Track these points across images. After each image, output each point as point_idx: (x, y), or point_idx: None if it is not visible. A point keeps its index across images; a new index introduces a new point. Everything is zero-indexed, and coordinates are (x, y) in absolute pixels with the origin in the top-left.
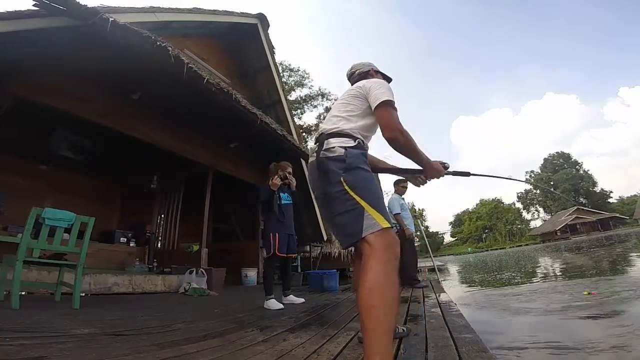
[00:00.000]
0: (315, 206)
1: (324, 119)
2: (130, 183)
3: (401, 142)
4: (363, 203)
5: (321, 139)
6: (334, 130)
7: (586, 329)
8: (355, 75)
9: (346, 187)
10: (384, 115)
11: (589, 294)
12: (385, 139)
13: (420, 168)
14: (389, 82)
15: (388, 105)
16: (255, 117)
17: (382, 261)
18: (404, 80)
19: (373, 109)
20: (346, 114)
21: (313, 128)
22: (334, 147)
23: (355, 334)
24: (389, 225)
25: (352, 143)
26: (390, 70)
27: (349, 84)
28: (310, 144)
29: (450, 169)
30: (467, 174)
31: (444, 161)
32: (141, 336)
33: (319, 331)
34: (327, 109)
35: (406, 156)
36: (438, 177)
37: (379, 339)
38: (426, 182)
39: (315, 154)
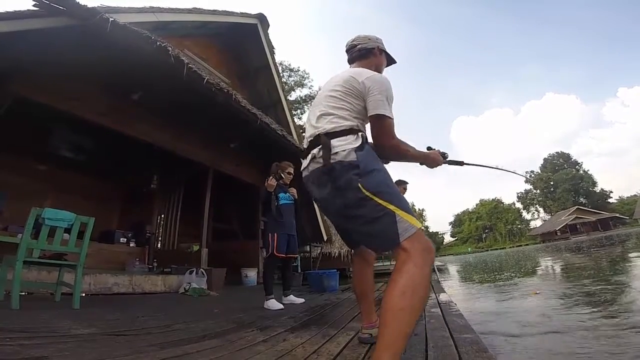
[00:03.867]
0: (315, 206)
1: None
2: (130, 183)
3: (393, 157)
4: (391, 207)
5: (324, 141)
6: (335, 129)
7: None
8: (356, 51)
9: (367, 194)
10: (380, 129)
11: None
12: (376, 150)
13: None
14: (392, 64)
15: (385, 119)
16: (255, 117)
17: (419, 265)
18: (404, 79)
19: (370, 114)
20: (345, 113)
21: None
22: (342, 151)
23: (355, 334)
24: (421, 226)
25: (357, 142)
26: (391, 70)
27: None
28: None
29: (448, 159)
30: (461, 163)
31: (443, 151)
32: (141, 336)
33: (319, 331)
34: None
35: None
36: (437, 166)
37: (396, 341)
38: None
39: (313, 160)
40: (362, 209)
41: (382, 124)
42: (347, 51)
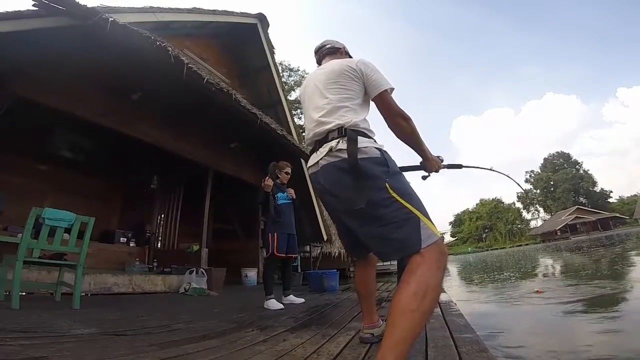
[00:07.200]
0: (315, 206)
1: None
2: (130, 183)
3: (405, 128)
4: (417, 212)
5: (350, 134)
6: (356, 126)
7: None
8: (326, 49)
9: (393, 194)
10: (388, 103)
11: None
12: (391, 125)
13: (418, 164)
14: None
15: (390, 93)
16: (255, 117)
17: (433, 269)
18: (404, 79)
19: (373, 95)
20: (351, 103)
21: None
22: (365, 147)
23: (355, 334)
24: (441, 235)
25: (378, 143)
26: (391, 70)
27: (315, 58)
28: None
29: (445, 164)
30: (460, 166)
31: (439, 155)
32: (141, 336)
33: (319, 331)
34: None
35: (410, 145)
36: (437, 171)
37: (403, 342)
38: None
39: (329, 154)
40: (385, 209)
41: (390, 98)
42: (316, 52)
